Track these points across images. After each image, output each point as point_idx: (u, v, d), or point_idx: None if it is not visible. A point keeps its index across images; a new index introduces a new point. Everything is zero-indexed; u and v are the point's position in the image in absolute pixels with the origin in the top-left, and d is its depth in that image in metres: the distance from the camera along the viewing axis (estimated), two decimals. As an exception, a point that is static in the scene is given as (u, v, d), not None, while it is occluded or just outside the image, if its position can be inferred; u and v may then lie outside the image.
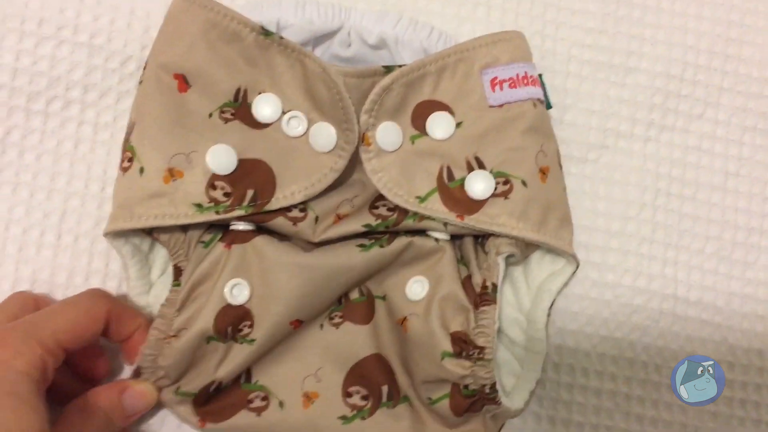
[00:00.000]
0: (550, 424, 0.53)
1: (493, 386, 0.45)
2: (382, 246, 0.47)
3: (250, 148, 0.45)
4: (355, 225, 0.46)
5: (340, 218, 0.47)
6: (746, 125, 0.56)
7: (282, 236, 0.47)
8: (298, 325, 0.47)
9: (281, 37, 0.45)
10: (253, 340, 0.46)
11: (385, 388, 0.48)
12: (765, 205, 0.56)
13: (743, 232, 0.55)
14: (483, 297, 0.47)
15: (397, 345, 0.48)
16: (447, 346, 0.45)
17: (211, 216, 0.44)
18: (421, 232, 0.48)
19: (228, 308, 0.45)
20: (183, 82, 0.44)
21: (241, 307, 0.46)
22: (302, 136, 0.45)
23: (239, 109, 0.45)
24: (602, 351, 0.53)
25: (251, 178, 0.45)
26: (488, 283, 0.47)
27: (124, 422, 0.45)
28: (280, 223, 0.46)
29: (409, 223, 0.46)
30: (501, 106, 0.47)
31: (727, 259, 0.55)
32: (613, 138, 0.55)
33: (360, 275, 0.47)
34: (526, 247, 0.48)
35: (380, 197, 0.47)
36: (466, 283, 0.48)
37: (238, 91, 0.45)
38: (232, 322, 0.46)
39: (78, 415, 0.43)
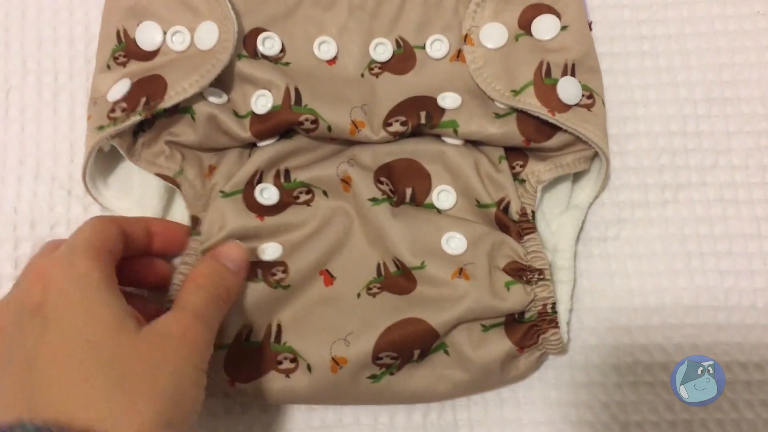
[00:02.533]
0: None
1: (553, 306, 0.47)
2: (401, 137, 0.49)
3: (147, 72, 0.47)
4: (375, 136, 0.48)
5: (357, 126, 0.48)
6: (765, 164, 0.53)
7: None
8: (329, 280, 0.47)
9: None
10: (288, 286, 0.47)
11: (417, 352, 0.46)
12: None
13: None
14: (524, 225, 0.48)
15: (442, 303, 0.46)
16: (506, 277, 0.47)
17: (111, 130, 0.46)
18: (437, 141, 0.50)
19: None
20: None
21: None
22: (190, 47, 0.48)
23: (126, 49, 0.49)
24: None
25: (143, 88, 0.47)
26: (528, 211, 0.49)
27: (236, 279, 0.44)
28: (299, 137, 0.49)
29: (424, 129, 0.49)
30: (590, 26, 0.52)
31: None
32: (629, 210, 0.53)
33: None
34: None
35: (392, 113, 0.48)
36: (499, 213, 0.49)
37: (117, 33, 0.49)
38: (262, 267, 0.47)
39: (193, 291, 0.41)
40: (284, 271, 0.47)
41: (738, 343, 0.50)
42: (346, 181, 0.49)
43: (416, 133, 0.49)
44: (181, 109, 0.48)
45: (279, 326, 0.46)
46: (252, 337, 0.46)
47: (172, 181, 0.49)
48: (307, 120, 0.47)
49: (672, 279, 0.51)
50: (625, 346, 0.51)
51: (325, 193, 0.49)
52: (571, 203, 0.52)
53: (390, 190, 0.49)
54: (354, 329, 0.45)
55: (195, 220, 0.49)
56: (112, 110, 0.46)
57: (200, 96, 0.48)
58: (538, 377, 0.50)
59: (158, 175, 0.48)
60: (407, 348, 0.45)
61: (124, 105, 0.46)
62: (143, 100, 0.46)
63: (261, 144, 0.49)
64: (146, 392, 0.35)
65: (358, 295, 0.47)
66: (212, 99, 0.48)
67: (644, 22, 0.56)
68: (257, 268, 0.47)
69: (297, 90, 0.48)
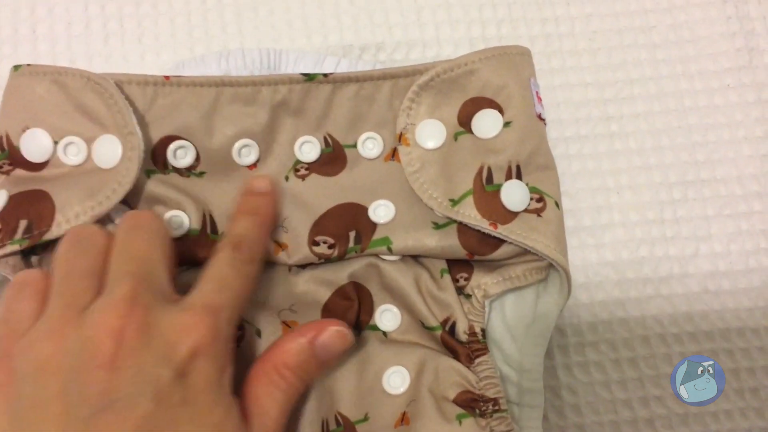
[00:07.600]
0: None
1: None
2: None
3: (31, 184, 0.40)
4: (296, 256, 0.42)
5: (280, 247, 0.42)
6: (747, 249, 0.50)
7: None
8: None
9: (29, 65, 0.41)
10: None
11: None
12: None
13: None
14: (474, 347, 0.42)
15: None
16: (457, 409, 0.40)
17: None
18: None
19: None
20: None
21: None
22: (86, 161, 0.40)
23: (11, 157, 0.40)
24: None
25: (24, 208, 0.39)
26: (477, 329, 0.42)
27: (315, 375, 0.39)
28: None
29: (351, 255, 0.42)
30: (541, 119, 0.44)
31: None
32: (609, 310, 0.49)
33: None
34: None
35: (319, 226, 0.42)
36: (444, 336, 0.43)
37: None
38: None
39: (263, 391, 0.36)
40: None
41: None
42: (288, 325, 0.42)
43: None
44: None
45: None
46: None
47: None
48: None
49: (660, 387, 0.47)
50: (616, 465, 0.46)
51: (258, 332, 0.42)
52: (538, 311, 0.46)
53: None
54: None
55: None
56: None
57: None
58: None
59: None
60: None
61: None
62: (23, 224, 0.38)
63: None
64: None
65: None
66: (118, 221, 0.41)
67: (610, 100, 0.52)
68: None
69: (211, 217, 0.42)
